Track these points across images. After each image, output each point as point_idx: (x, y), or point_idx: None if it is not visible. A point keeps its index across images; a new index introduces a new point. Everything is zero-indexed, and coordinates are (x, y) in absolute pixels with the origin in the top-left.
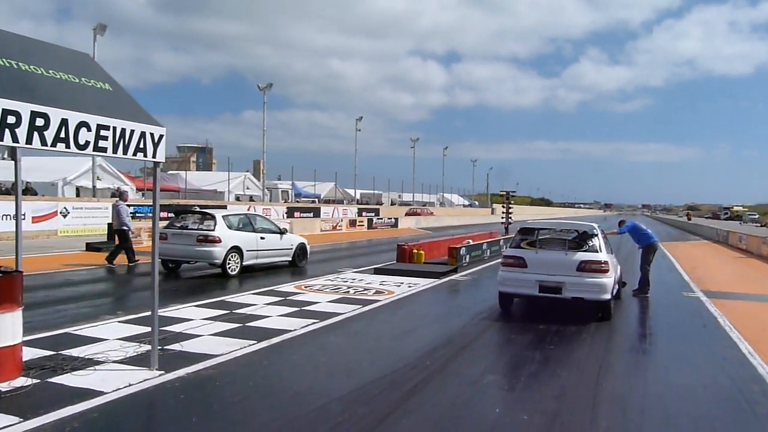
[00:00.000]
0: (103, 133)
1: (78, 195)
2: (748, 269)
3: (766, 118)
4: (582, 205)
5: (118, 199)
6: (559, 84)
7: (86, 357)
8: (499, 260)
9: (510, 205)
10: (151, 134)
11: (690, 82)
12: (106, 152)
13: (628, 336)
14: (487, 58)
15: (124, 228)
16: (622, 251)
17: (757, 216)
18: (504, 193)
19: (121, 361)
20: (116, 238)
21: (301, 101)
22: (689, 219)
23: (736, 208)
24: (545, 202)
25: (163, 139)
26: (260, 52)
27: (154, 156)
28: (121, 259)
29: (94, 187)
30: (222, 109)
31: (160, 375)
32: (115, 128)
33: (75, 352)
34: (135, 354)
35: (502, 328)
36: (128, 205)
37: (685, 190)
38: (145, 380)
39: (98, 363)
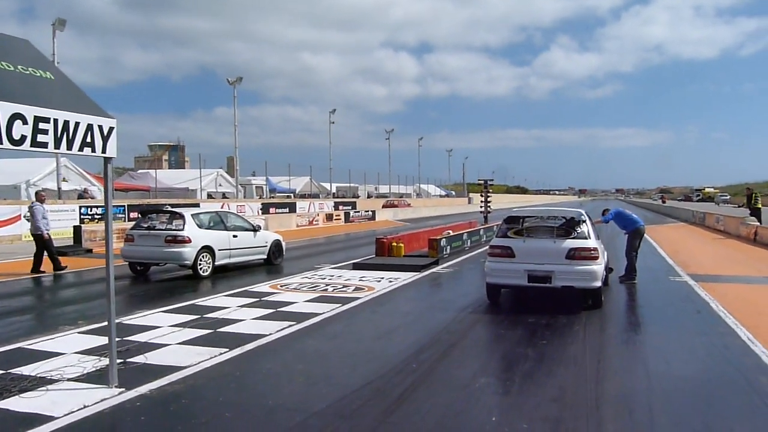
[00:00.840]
0: (42, 126)
1: None
2: (730, 250)
3: (732, 101)
4: (557, 192)
5: (34, 200)
6: (531, 72)
7: (38, 375)
8: (481, 250)
9: (489, 194)
10: (100, 126)
11: (658, 66)
12: (46, 147)
13: (622, 326)
14: (459, 49)
15: (39, 233)
16: (602, 237)
17: (728, 197)
18: (481, 181)
19: (77, 379)
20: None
21: (273, 96)
22: (664, 202)
23: (707, 190)
24: (521, 190)
25: (114, 131)
26: (231, 48)
27: (104, 151)
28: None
29: (59, 188)
30: (193, 106)
31: (119, 393)
32: (56, 120)
33: (26, 369)
34: (94, 369)
35: (490, 323)
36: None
37: (656, 173)
38: (102, 400)
39: (51, 382)
